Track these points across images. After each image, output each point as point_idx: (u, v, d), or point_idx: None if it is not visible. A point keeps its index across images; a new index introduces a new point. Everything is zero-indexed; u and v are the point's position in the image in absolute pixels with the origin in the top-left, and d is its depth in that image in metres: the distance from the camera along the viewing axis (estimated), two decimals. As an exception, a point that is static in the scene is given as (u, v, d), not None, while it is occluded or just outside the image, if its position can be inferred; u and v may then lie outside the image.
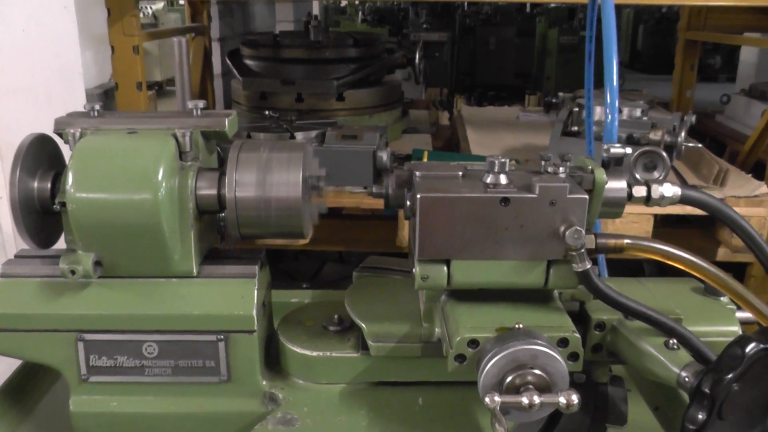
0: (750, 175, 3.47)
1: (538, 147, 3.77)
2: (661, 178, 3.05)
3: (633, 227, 3.12)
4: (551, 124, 3.63)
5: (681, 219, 3.32)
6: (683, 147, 3.14)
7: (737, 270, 3.23)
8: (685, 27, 4.92)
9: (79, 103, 2.85)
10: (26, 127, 2.31)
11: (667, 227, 3.28)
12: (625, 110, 3.35)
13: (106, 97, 3.86)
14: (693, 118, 3.26)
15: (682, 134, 3.15)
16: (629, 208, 3.03)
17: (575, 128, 3.40)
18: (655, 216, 3.13)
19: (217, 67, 5.43)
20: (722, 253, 3.35)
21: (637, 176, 3.05)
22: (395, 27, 10.97)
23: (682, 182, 3.45)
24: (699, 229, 3.43)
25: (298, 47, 4.10)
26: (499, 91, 9.05)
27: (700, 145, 3.48)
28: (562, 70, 8.88)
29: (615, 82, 1.93)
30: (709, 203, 1.37)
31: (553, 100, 4.00)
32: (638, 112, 3.34)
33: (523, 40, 9.62)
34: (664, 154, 3.03)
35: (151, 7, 10.73)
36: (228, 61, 4.32)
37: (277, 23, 7.97)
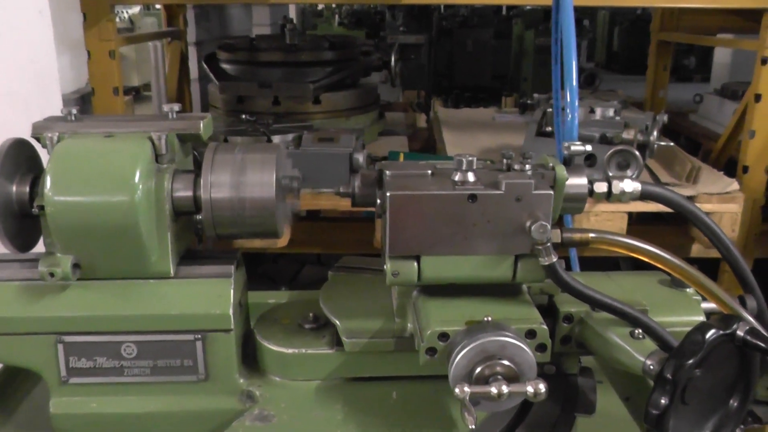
0: (722, 172, 3.52)
1: (513, 147, 3.79)
2: (634, 176, 3.11)
3: (607, 224, 3.17)
4: (527, 125, 3.67)
5: (656, 216, 3.37)
6: (656, 146, 3.20)
7: (711, 265, 3.28)
8: (658, 28, 4.99)
9: (55, 108, 2.84)
10: (2, 132, 2.32)
11: (641, 224, 3.33)
12: (599, 110, 3.40)
13: (82, 102, 3.86)
14: (665, 118, 3.33)
15: (655, 133, 3.21)
16: (603, 206, 3.08)
17: (549, 128, 3.45)
18: (630, 214, 3.18)
19: (193, 71, 5.44)
20: (696, 249, 3.41)
21: (611, 174, 3.09)
22: (372, 30, 10.99)
23: (655, 180, 3.50)
24: (673, 226, 3.49)
25: (275, 50, 4.13)
26: (476, 92, 9.09)
27: (672, 144, 3.54)
28: (538, 71, 8.92)
29: (574, 83, 1.99)
30: (669, 198, 1.42)
31: (528, 102, 4.05)
32: (611, 112, 3.40)
33: (500, 41, 9.65)
34: (637, 152, 3.09)
35: (127, 12, 10.66)
36: (204, 65, 4.33)
37: (254, 27, 7.96)
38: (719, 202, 3.25)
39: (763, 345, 1.11)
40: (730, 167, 3.76)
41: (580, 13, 8.54)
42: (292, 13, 10.30)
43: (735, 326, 1.12)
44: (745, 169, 3.57)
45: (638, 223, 3.29)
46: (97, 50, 3.57)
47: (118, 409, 1.43)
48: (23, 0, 2.68)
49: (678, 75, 10.67)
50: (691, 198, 3.23)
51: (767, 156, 3.58)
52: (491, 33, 9.67)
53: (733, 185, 3.33)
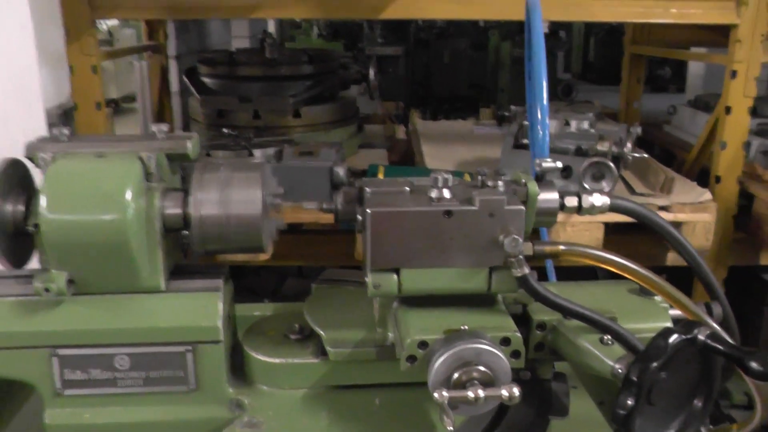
0: (695, 182, 3.61)
1: (491, 159, 3.88)
2: (608, 187, 3.19)
3: (584, 235, 3.25)
4: (504, 137, 3.74)
5: (632, 226, 3.44)
6: (630, 157, 3.27)
7: (685, 273, 3.35)
8: (630, 41, 5.09)
9: (38, 124, 2.87)
10: None
11: (618, 234, 3.39)
12: (573, 123, 3.48)
13: (65, 117, 3.87)
14: (638, 130, 3.41)
15: (629, 145, 3.29)
16: (580, 217, 3.15)
17: (525, 141, 3.52)
18: (607, 224, 3.25)
19: (174, 85, 5.46)
20: (671, 258, 3.49)
21: (586, 186, 3.18)
22: (350, 41, 11.06)
23: (630, 190, 3.58)
24: (649, 235, 3.56)
25: (254, 65, 4.19)
26: (453, 103, 9.16)
27: (646, 156, 3.63)
28: (515, 81, 9.01)
29: (545, 101, 2.07)
30: (635, 211, 1.49)
31: (505, 114, 4.12)
32: (586, 125, 3.48)
33: (477, 52, 9.74)
34: (611, 164, 3.17)
35: (106, 24, 10.64)
36: (185, 79, 4.37)
37: (233, 39, 8.00)
38: (692, 211, 3.33)
39: (721, 348, 1.19)
40: (703, 177, 3.84)
41: (557, 24, 8.66)
42: (271, 26, 10.34)
43: (696, 331, 1.20)
44: (718, 179, 3.66)
45: (615, 233, 3.35)
46: (79, 65, 3.58)
47: (112, 419, 1.47)
48: (5, 15, 2.70)
49: (653, 85, 10.80)
50: (664, 208, 3.31)
51: (738, 166, 3.67)
52: (468, 44, 9.75)
53: (706, 195, 3.42)
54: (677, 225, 3.27)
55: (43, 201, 1.35)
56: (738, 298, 3.88)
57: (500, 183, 1.38)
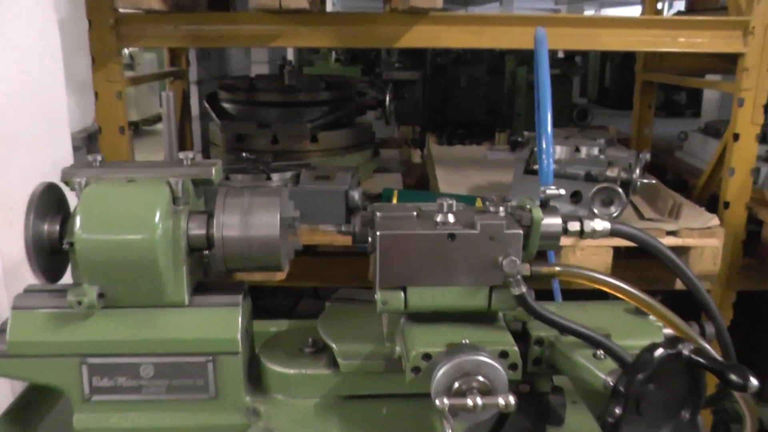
0: (703, 208, 3.65)
1: (503, 184, 3.94)
2: (617, 212, 3.26)
3: (593, 259, 3.29)
4: (516, 162, 3.80)
5: (641, 250, 3.48)
6: (639, 183, 3.33)
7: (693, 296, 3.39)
8: (642, 69, 5.15)
9: (64, 149, 2.96)
10: (12, 174, 2.44)
11: (626, 259, 3.44)
12: (584, 149, 3.55)
13: (89, 141, 3.96)
14: (648, 156, 3.46)
15: (638, 171, 3.34)
16: (590, 242, 3.21)
17: (536, 167, 3.59)
18: (618, 248, 3.30)
19: (194, 109, 5.55)
20: (680, 282, 3.51)
21: (595, 210, 3.25)
22: (367, 66, 11.18)
23: (639, 216, 3.64)
24: (658, 259, 3.59)
25: (273, 91, 4.26)
26: (470, 128, 9.21)
27: (654, 181, 3.68)
28: (531, 106, 9.01)
29: (549, 132, 2.15)
30: (634, 235, 1.59)
31: (518, 139, 4.18)
32: (596, 151, 3.54)
33: (494, 77, 9.77)
34: (620, 190, 3.23)
35: (127, 48, 10.81)
36: (206, 105, 4.45)
37: (252, 64, 8.10)
38: (700, 236, 3.35)
39: (704, 362, 1.28)
40: (713, 203, 3.88)
41: (573, 50, 8.74)
42: (290, 51, 10.46)
43: (681, 346, 1.29)
44: (726, 205, 3.69)
45: (624, 257, 3.39)
46: (104, 91, 3.66)
47: (136, 424, 1.57)
48: (38, 46, 2.81)
49: (668, 110, 10.84)
50: (673, 233, 3.36)
51: (747, 192, 3.70)
52: (484, 69, 9.78)
53: (714, 220, 3.45)
54: (685, 250, 3.32)
55: (77, 222, 1.46)
56: (747, 323, 3.92)
57: (501, 209, 1.48)
